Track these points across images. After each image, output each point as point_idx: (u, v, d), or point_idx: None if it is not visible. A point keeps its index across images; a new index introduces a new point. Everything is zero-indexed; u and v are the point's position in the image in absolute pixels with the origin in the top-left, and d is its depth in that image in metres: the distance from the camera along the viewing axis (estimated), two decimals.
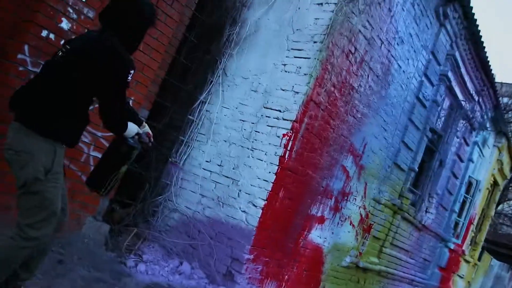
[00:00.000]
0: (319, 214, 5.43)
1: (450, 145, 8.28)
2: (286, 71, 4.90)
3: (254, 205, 4.61)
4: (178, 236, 5.02)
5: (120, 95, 2.37)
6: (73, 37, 2.68)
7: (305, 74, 4.72)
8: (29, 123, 2.22)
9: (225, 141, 5.09)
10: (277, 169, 4.59)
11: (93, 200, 4.20)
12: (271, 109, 4.84)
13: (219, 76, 5.37)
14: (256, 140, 4.85)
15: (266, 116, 4.86)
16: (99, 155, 4.06)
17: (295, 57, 4.88)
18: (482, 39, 7.46)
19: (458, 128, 8.41)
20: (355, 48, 5.14)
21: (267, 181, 4.61)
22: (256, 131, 4.88)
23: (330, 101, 5.00)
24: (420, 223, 7.91)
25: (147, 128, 2.75)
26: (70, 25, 3.69)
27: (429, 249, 8.93)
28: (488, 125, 9.72)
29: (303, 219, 5.19)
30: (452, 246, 9.97)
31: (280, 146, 4.64)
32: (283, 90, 4.83)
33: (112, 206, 4.78)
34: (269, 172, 4.62)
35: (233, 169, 4.91)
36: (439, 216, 8.86)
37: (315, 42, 4.78)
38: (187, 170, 5.26)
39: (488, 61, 8.02)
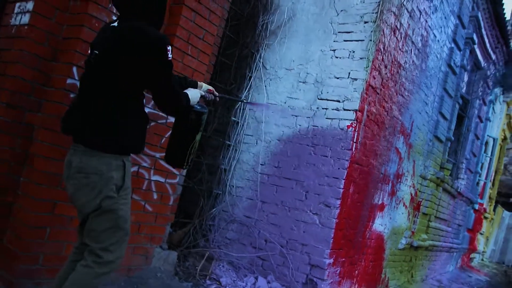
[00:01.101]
0: (380, 202, 5.17)
1: (475, 108, 8.11)
2: (337, 57, 4.53)
3: (326, 205, 4.29)
4: (242, 249, 4.68)
5: (167, 75, 2.07)
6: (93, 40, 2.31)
7: (361, 58, 4.36)
8: (91, 142, 2.04)
9: (279, 140, 4.72)
10: (347, 164, 4.26)
11: (159, 229, 3.81)
12: (328, 100, 4.48)
13: (258, 70, 4.95)
14: (315, 135, 4.49)
15: (323, 108, 4.50)
16: (161, 179, 3.68)
17: (344, 40, 4.51)
18: None
19: (479, 90, 8.22)
20: (400, 23, 4.80)
21: (337, 178, 4.28)
22: (314, 126, 4.52)
23: (383, 83, 4.68)
24: (456, 191, 7.77)
25: (205, 86, 2.59)
26: None
27: (461, 214, 8.85)
28: (499, 81, 9.58)
29: (368, 210, 4.92)
30: (476, 207, 9.95)
31: (346, 139, 4.30)
32: (338, 78, 4.47)
33: (170, 229, 4.39)
34: (339, 169, 4.29)
35: (294, 169, 4.56)
36: (468, 180, 8.76)
37: (366, 22, 4.42)
38: (240, 176, 4.89)
39: (505, 17, 7.80)
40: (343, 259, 4.53)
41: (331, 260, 4.27)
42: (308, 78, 4.66)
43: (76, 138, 2.11)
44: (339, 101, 4.41)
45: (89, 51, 2.22)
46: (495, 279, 10.29)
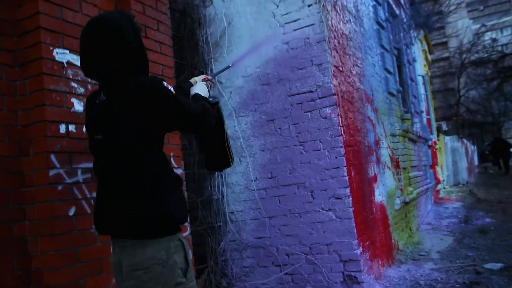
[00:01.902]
0: (373, 174, 5.13)
1: (405, 54, 8.37)
2: (293, 48, 4.36)
3: (337, 198, 4.14)
4: (266, 272, 4.42)
5: (178, 105, 1.80)
6: (86, 120, 2.02)
7: (318, 42, 4.22)
8: (137, 232, 1.75)
9: (263, 150, 4.49)
10: (343, 151, 4.13)
11: None
12: (300, 93, 4.31)
13: (214, 87, 4.66)
14: (300, 133, 4.31)
15: (297, 104, 4.32)
16: None
17: (294, 30, 4.34)
18: None
19: (401, 36, 8.49)
20: None
21: (338, 167, 4.14)
22: (294, 124, 4.34)
23: (341, 59, 4.60)
24: (416, 136, 8.01)
25: (198, 78, 2.40)
26: (82, 103, 2.81)
27: (424, 155, 9.17)
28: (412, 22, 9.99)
29: (368, 185, 4.85)
30: (430, 143, 10.38)
31: (332, 126, 4.16)
32: (301, 69, 4.31)
33: None
34: (336, 158, 4.15)
35: (290, 174, 4.36)
36: (418, 121, 9.07)
37: (309, 5, 4.27)
38: (235, 200, 4.60)
39: None
40: (367, 243, 4.43)
41: (361, 249, 4.15)
42: (271, 79, 4.45)
43: (118, 233, 1.81)
44: (312, 91, 4.25)
45: (87, 135, 1.98)
46: (467, 202, 10.85)
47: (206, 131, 2.15)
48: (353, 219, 4.09)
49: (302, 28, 4.30)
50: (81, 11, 2.87)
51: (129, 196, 1.76)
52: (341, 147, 4.13)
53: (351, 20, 5.18)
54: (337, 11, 4.69)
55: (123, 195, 1.77)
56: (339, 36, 4.62)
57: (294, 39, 4.34)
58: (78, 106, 2.76)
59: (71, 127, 2.69)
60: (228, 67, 2.64)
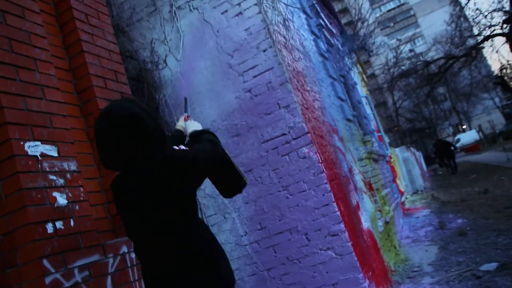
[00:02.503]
0: (355, 203, 5.10)
1: (348, 79, 8.64)
2: (256, 95, 4.32)
3: (333, 235, 4.05)
4: None
5: (202, 161, 1.94)
6: (117, 207, 2.00)
7: (281, 84, 4.22)
8: None
9: (247, 203, 4.35)
10: (328, 187, 4.07)
11: None
12: (273, 138, 4.25)
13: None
14: (281, 178, 4.22)
15: (273, 149, 4.25)
16: None
17: (254, 77, 4.33)
18: None
19: (341, 64, 8.78)
20: (285, 38, 4.80)
21: (327, 204, 4.07)
22: (274, 170, 4.25)
23: (303, 97, 4.62)
24: (377, 155, 8.17)
25: (180, 119, 2.54)
26: (65, 195, 2.58)
27: (386, 171, 9.36)
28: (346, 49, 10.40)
29: (355, 215, 4.81)
30: (387, 159, 10.64)
31: (313, 164, 4.11)
32: (269, 114, 4.27)
33: None
34: (323, 195, 4.08)
35: (280, 221, 4.23)
36: (375, 140, 9.30)
37: (264, 50, 4.29)
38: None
39: None
40: (370, 273, 4.34)
41: (367, 281, 4.05)
42: (240, 129, 4.37)
43: None
44: (285, 134, 4.21)
45: (123, 221, 1.98)
46: (433, 207, 11.12)
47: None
48: (353, 253, 4.00)
49: (262, 73, 4.29)
50: (44, 97, 2.68)
51: (188, 273, 1.75)
52: (326, 183, 4.08)
53: (301, 57, 5.26)
54: (289, 52, 4.74)
55: (182, 273, 1.76)
56: (297, 74, 4.66)
57: (256, 86, 4.32)
58: (61, 199, 2.53)
59: (59, 224, 2.45)
60: (185, 98, 2.72)
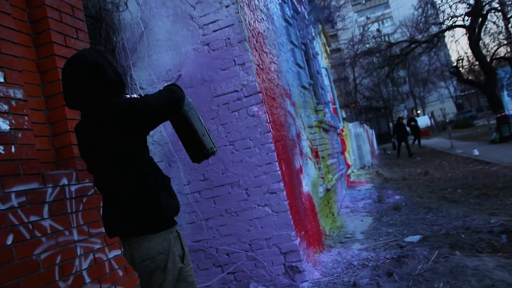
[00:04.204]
0: (298, 166, 5.32)
1: (310, 48, 8.74)
2: (214, 50, 4.37)
3: (272, 192, 4.25)
4: (207, 274, 4.41)
5: (155, 106, 2.17)
6: (80, 148, 2.25)
7: (239, 42, 4.28)
8: (141, 231, 2.11)
9: None
10: (273, 147, 4.24)
11: None
12: (225, 94, 4.33)
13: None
14: (229, 133, 4.34)
15: (224, 104, 4.35)
16: (117, 251, 3.21)
17: (214, 31, 4.36)
18: None
19: (305, 31, 8.85)
20: None
21: (270, 163, 4.24)
22: (222, 125, 4.36)
23: (260, 57, 4.70)
24: (328, 125, 8.42)
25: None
26: (8, 121, 2.59)
27: (335, 142, 9.67)
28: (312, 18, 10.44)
29: (296, 177, 5.03)
30: (339, 131, 10.96)
31: (261, 123, 4.25)
32: (224, 69, 4.34)
33: None
34: (267, 154, 4.24)
35: (223, 174, 4.37)
36: (328, 111, 9.54)
37: (227, 6, 4.31)
38: None
39: None
40: (303, 233, 4.59)
41: (299, 239, 4.30)
42: (194, 81, 4.42)
43: (126, 234, 2.16)
44: (237, 91, 4.30)
45: (84, 160, 2.25)
46: (376, 182, 11.64)
47: (179, 123, 2.41)
48: (289, 212, 4.22)
49: (222, 28, 4.32)
50: None
51: (131, 200, 2.09)
52: (270, 143, 4.23)
53: (264, 18, 5.30)
54: (251, 11, 4.78)
55: (126, 200, 2.10)
56: (257, 34, 4.72)
57: (214, 40, 4.35)
58: (4, 125, 2.55)
59: (0, 149, 2.48)
60: (180, 75, 2.80)
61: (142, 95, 2.22)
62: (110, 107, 2.08)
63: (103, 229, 3.12)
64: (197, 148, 2.43)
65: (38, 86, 3.07)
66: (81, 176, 3.05)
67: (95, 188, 2.34)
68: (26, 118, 2.73)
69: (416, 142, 23.25)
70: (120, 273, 3.20)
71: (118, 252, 3.21)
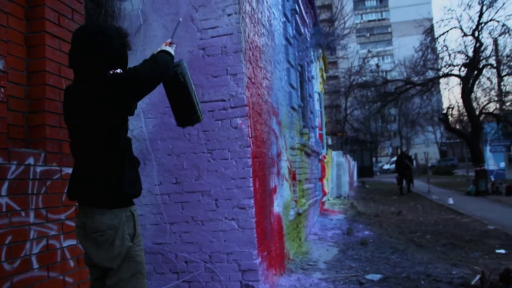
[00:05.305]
0: (273, 185, 5.28)
1: (306, 71, 8.78)
2: (209, 55, 4.34)
3: (241, 208, 4.19)
4: (162, 279, 4.32)
5: (138, 77, 2.25)
6: (64, 109, 2.36)
7: (235, 52, 4.26)
8: (98, 203, 2.21)
9: (169, 155, 4.39)
10: (250, 162, 4.20)
11: None
12: (212, 101, 4.30)
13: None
14: (209, 141, 4.30)
15: (209, 111, 4.30)
16: (73, 241, 3.12)
17: (212, 37, 4.33)
18: None
19: (304, 54, 8.89)
20: (253, 9, 4.82)
21: (244, 178, 4.20)
22: (203, 131, 4.31)
23: (254, 71, 4.68)
24: (311, 150, 8.42)
25: (161, 46, 2.63)
26: None
27: (315, 168, 9.67)
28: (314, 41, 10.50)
29: (269, 196, 4.98)
30: (321, 157, 10.97)
31: (242, 137, 4.21)
32: (215, 77, 4.30)
33: None
34: (243, 168, 4.20)
35: (195, 181, 4.31)
36: (313, 136, 9.55)
37: (229, 15, 4.29)
38: (136, 204, 4.41)
39: None
40: (265, 253, 4.54)
41: (260, 259, 4.24)
42: None
43: (85, 201, 2.25)
44: (224, 100, 4.27)
45: (66, 121, 2.34)
46: (349, 214, 11.65)
47: (172, 86, 2.53)
48: (254, 230, 4.17)
49: (220, 36, 4.30)
50: None
51: (98, 172, 2.18)
52: (248, 158, 4.20)
53: (264, 33, 5.30)
54: (253, 24, 4.77)
55: (94, 170, 2.19)
56: (254, 48, 4.71)
57: (211, 46, 4.33)
58: None
59: None
60: (179, 21, 2.88)
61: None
62: (102, 78, 2.19)
63: (62, 216, 3.04)
64: (187, 112, 2.51)
65: (22, 60, 2.99)
66: (49, 158, 2.97)
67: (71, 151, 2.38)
68: (2, 90, 2.66)
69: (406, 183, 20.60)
70: (72, 264, 3.10)
71: (73, 242, 3.12)
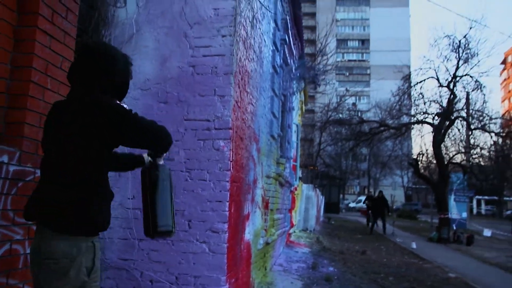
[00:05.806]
0: (247, 212, 5.20)
1: (288, 101, 8.83)
2: (198, 74, 4.30)
3: (214, 231, 4.09)
4: None
5: (139, 124, 2.11)
6: (46, 120, 2.20)
7: (225, 74, 4.23)
8: (58, 226, 1.98)
9: None
10: (228, 186, 4.12)
11: None
12: (196, 120, 4.23)
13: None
14: (188, 159, 4.21)
15: (192, 130, 4.23)
16: None
17: (204, 55, 4.30)
18: None
19: (288, 84, 8.97)
20: (247, 34, 4.84)
21: (221, 201, 4.11)
22: (184, 150, 4.23)
23: (241, 95, 4.66)
24: (285, 180, 8.39)
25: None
26: None
27: (286, 199, 9.63)
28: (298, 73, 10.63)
29: (241, 223, 4.90)
30: (292, 189, 10.96)
31: (223, 159, 4.14)
32: (203, 96, 4.26)
33: None
34: (220, 191, 4.12)
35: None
36: (288, 167, 9.54)
37: (223, 36, 4.29)
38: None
39: (301, 16, 8.66)
40: (233, 280, 4.42)
41: (227, 286, 4.12)
42: (170, 98, 4.31)
43: (43, 222, 2.04)
44: (209, 121, 4.21)
45: (44, 132, 2.18)
46: (314, 248, 11.60)
47: (155, 185, 2.34)
48: (225, 255, 4.07)
49: (212, 56, 4.28)
50: None
51: (68, 194, 1.99)
52: (227, 181, 4.12)
53: (255, 59, 5.32)
54: (245, 48, 4.78)
55: (64, 193, 1.99)
56: (244, 72, 4.70)
57: (201, 65, 4.29)
58: None
59: None
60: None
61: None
62: (102, 101, 2.05)
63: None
64: (169, 216, 2.24)
65: (8, 53, 2.87)
66: (24, 158, 2.83)
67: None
68: None
69: (379, 225, 20.26)
70: None
71: None
